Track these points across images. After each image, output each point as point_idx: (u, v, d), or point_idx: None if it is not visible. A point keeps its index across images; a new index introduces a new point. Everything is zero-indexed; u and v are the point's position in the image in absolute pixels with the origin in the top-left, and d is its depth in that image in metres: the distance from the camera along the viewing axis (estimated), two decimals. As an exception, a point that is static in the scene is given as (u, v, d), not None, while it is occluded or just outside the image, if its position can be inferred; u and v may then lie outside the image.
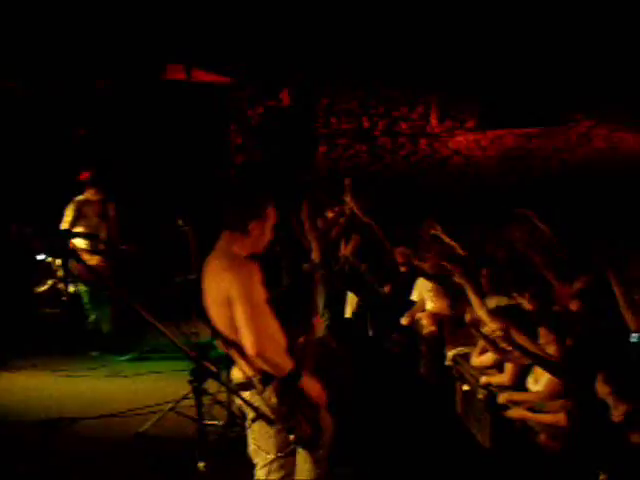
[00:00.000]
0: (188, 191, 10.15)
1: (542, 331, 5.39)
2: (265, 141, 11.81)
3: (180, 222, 7.06)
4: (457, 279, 6.43)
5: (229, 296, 3.76)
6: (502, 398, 5.60)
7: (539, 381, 5.40)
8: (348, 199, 7.89)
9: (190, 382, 3.14)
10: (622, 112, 12.20)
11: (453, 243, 7.48)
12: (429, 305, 7.91)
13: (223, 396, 6.21)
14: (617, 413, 4.21)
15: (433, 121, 12.18)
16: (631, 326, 4.75)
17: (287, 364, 3.81)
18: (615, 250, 6.43)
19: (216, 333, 3.95)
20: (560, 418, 4.95)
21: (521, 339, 5.36)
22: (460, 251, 7.41)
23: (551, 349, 5.26)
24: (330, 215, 8.23)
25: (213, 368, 3.19)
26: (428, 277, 7.68)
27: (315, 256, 7.06)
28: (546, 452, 4.97)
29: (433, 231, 7.58)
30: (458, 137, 12.21)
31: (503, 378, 5.88)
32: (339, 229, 8.08)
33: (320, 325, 4.36)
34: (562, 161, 12.38)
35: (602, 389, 4.31)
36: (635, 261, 5.91)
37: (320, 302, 7.12)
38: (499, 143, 12.20)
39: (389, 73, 11.80)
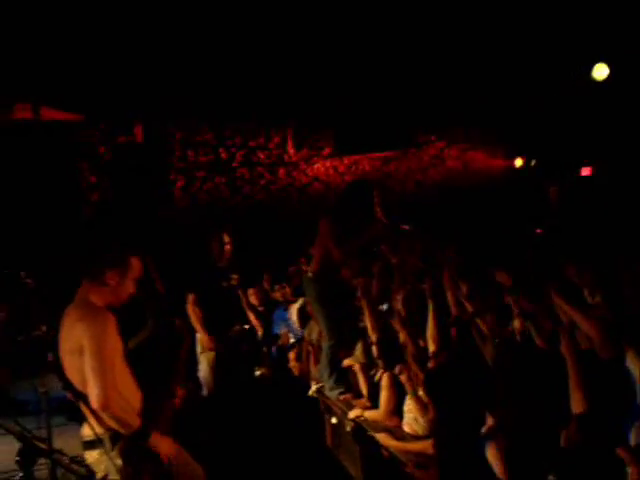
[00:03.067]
0: (37, 238, 9.69)
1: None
2: (119, 178, 11.47)
3: (23, 274, 6.65)
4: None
5: (81, 346, 3.58)
6: (353, 414, 5.69)
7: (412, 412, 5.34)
8: None
9: (17, 462, 2.89)
10: (471, 133, 12.67)
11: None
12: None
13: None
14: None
15: (290, 150, 12.20)
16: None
17: (134, 421, 3.61)
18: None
19: (66, 385, 3.71)
20: (427, 446, 4.90)
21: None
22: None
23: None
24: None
25: (43, 445, 2.95)
26: None
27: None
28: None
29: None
30: (316, 164, 12.28)
31: (378, 413, 5.79)
32: None
33: (182, 392, 4.15)
34: (417, 182, 12.70)
35: None
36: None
37: None
38: (356, 168, 12.35)
39: (243, 104, 11.74)
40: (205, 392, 7.28)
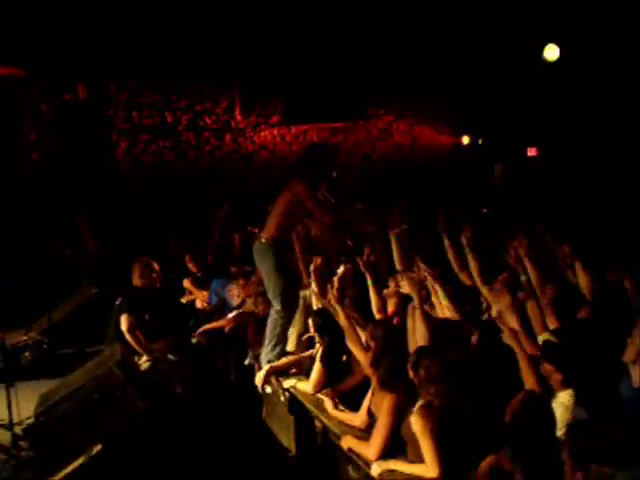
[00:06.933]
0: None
1: None
2: (61, 136, 11.17)
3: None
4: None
5: None
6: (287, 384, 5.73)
7: None
8: None
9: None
10: (420, 108, 12.62)
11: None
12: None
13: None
14: None
15: (238, 116, 12.00)
16: None
17: None
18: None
19: None
20: (355, 417, 4.89)
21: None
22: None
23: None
24: None
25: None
26: None
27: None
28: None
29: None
30: (263, 132, 12.12)
31: (308, 385, 5.69)
32: None
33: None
34: (364, 155, 12.63)
35: None
36: None
37: None
38: (304, 137, 12.22)
39: (191, 66, 11.46)
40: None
